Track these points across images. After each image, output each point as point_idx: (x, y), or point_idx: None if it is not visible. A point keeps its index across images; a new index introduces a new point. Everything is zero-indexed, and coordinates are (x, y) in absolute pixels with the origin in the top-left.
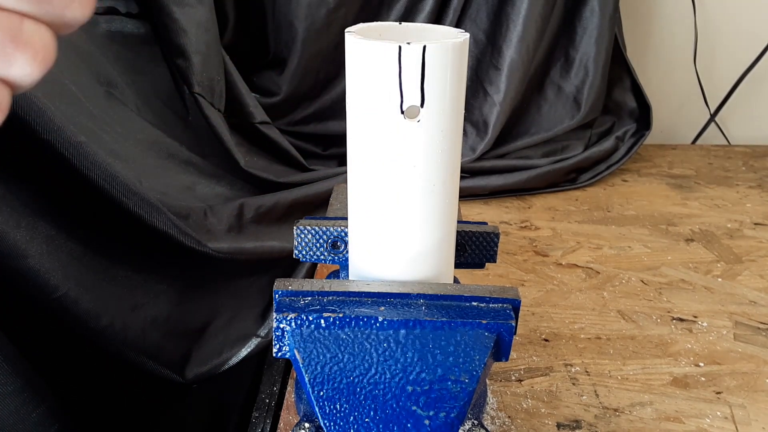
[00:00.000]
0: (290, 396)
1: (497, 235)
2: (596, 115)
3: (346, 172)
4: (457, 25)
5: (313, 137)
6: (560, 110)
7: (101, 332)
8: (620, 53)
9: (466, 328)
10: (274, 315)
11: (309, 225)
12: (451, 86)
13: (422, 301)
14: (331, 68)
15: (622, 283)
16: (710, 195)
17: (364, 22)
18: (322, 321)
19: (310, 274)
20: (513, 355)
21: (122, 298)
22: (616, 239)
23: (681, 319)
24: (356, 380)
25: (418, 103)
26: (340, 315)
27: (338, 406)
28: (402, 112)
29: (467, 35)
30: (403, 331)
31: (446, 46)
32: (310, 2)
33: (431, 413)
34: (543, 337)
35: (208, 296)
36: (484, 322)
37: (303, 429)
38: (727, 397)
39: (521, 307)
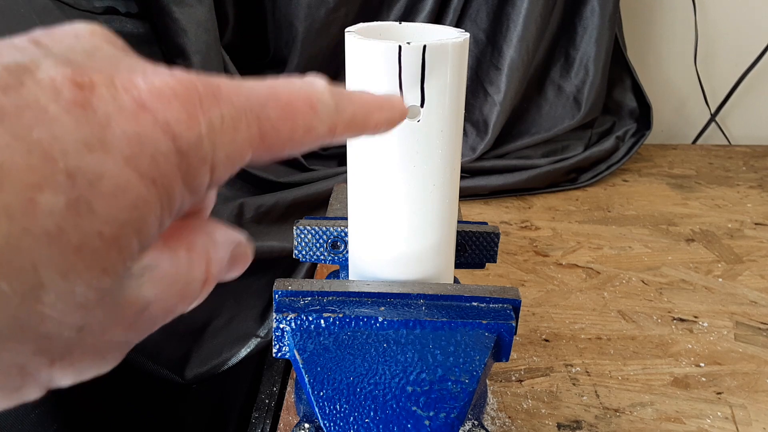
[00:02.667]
0: (290, 396)
1: (497, 235)
2: (596, 115)
3: (346, 172)
4: (457, 25)
5: None
6: (560, 110)
7: None
8: (620, 53)
9: (466, 328)
10: (274, 315)
11: (309, 225)
12: (451, 86)
13: (422, 301)
14: (331, 68)
15: (622, 284)
16: (711, 195)
17: (364, 21)
18: (322, 321)
19: (310, 274)
20: (513, 355)
21: None
22: (616, 239)
23: (681, 320)
24: (356, 380)
25: (418, 103)
26: (340, 315)
27: (338, 407)
28: None
29: (467, 35)
30: (403, 331)
31: (446, 46)
32: (310, 2)
33: (431, 414)
34: (543, 337)
35: (208, 296)
36: (484, 322)
37: (303, 429)
38: (727, 397)
39: (521, 308)
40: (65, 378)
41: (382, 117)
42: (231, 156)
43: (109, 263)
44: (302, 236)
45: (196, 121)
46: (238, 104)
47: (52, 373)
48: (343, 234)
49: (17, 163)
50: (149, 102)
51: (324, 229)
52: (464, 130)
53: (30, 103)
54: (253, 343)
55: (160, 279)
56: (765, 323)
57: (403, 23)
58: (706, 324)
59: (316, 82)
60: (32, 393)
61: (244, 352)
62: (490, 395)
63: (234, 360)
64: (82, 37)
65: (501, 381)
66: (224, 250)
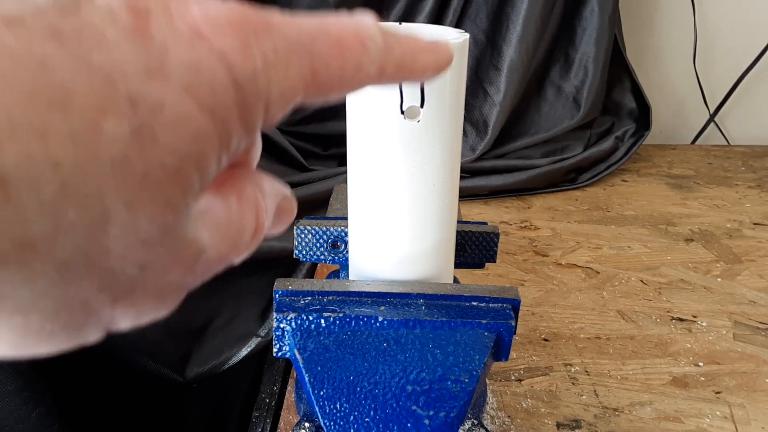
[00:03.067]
0: (290, 396)
1: (497, 235)
2: (596, 116)
3: (346, 172)
4: (457, 26)
5: (313, 137)
6: (560, 110)
7: None
8: (620, 53)
9: (465, 327)
10: (275, 315)
11: (309, 225)
12: (451, 86)
13: (422, 300)
14: None
15: (621, 283)
16: (710, 195)
17: None
18: (322, 321)
19: (310, 274)
20: (513, 354)
21: None
22: (615, 239)
23: (680, 319)
24: (356, 380)
25: (418, 103)
26: (340, 315)
27: (338, 406)
28: (402, 112)
29: (467, 35)
30: (403, 331)
31: None
32: (310, 2)
33: (431, 413)
34: (543, 336)
35: (208, 296)
36: (483, 321)
37: (303, 429)
38: (726, 396)
39: (521, 307)
40: (126, 319)
41: (430, 60)
42: (284, 93)
43: (172, 197)
44: (302, 236)
45: (250, 52)
46: (290, 38)
47: (114, 312)
48: (343, 234)
49: (80, 85)
50: (205, 30)
51: (324, 229)
52: (464, 130)
53: (88, 27)
54: (253, 343)
55: (214, 224)
56: (764, 323)
57: (402, 24)
58: (705, 323)
59: (366, 19)
60: (94, 333)
61: (244, 352)
62: (489, 394)
63: (234, 359)
64: None
65: (500, 380)
66: (272, 201)
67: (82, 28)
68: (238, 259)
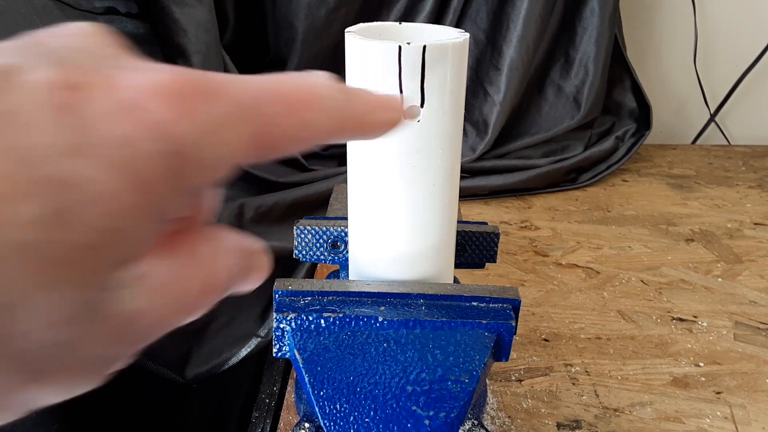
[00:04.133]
0: (290, 396)
1: (497, 235)
2: (596, 115)
3: (346, 172)
4: (457, 25)
5: None
6: (560, 110)
7: None
8: (620, 53)
9: (466, 328)
10: (274, 315)
11: (309, 225)
12: (451, 86)
13: (422, 301)
14: (331, 68)
15: (622, 283)
16: (710, 195)
17: (364, 22)
18: (322, 321)
19: (310, 274)
20: (513, 355)
21: None
22: (616, 239)
23: (681, 319)
24: (356, 380)
25: (418, 103)
26: (340, 315)
27: (338, 406)
28: None
29: (467, 35)
30: (403, 331)
31: (446, 46)
32: (310, 2)
33: (431, 413)
34: (543, 337)
35: None
36: (484, 322)
37: (303, 429)
38: (727, 397)
39: (521, 307)
40: (49, 396)
41: (385, 117)
42: (223, 156)
43: (90, 275)
44: (302, 236)
45: (190, 119)
46: (237, 100)
47: (34, 391)
48: (343, 234)
49: None
50: (143, 101)
51: (324, 229)
52: (464, 130)
53: (12, 107)
54: (253, 343)
55: (155, 288)
56: (764, 323)
57: (403, 23)
58: (705, 324)
59: (319, 77)
60: (12, 414)
61: (244, 352)
62: (489, 395)
63: (234, 360)
64: (83, 36)
65: (501, 380)
66: (232, 258)
67: (5, 109)
68: (185, 321)
